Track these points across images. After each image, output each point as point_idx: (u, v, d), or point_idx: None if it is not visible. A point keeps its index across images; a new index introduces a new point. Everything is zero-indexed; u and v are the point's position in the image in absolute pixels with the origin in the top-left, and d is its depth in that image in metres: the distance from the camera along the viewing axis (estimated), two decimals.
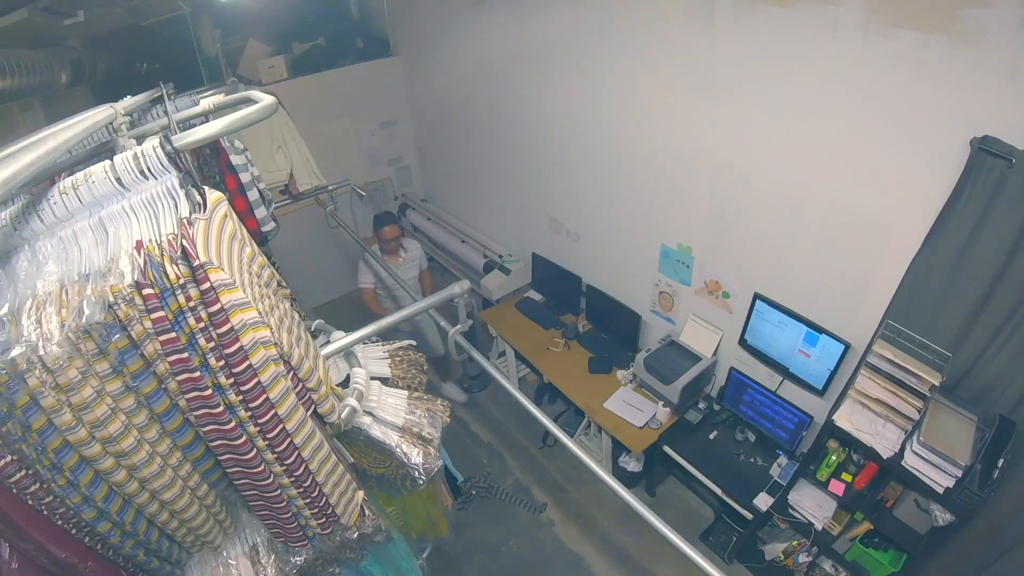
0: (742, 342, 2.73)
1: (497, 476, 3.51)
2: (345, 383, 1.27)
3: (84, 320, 0.79)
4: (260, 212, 2.09)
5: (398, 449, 1.25)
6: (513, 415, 3.94)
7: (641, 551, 2.99)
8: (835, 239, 2.19)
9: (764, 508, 2.51)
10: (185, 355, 0.85)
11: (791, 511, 2.39)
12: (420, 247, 3.60)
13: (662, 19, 2.43)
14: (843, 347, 2.30)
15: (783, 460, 2.68)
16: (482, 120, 3.95)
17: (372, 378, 1.34)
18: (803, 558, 2.55)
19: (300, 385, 1.01)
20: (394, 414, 1.29)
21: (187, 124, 1.37)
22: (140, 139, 1.12)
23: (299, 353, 1.01)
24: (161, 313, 0.81)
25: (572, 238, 3.63)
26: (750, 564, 2.80)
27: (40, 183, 0.89)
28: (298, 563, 1.23)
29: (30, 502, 0.90)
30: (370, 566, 1.53)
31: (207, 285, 0.81)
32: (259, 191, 2.10)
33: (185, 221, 0.83)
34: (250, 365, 0.89)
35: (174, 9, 3.52)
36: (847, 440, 2.08)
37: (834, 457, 2.22)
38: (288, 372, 0.97)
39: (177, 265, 0.80)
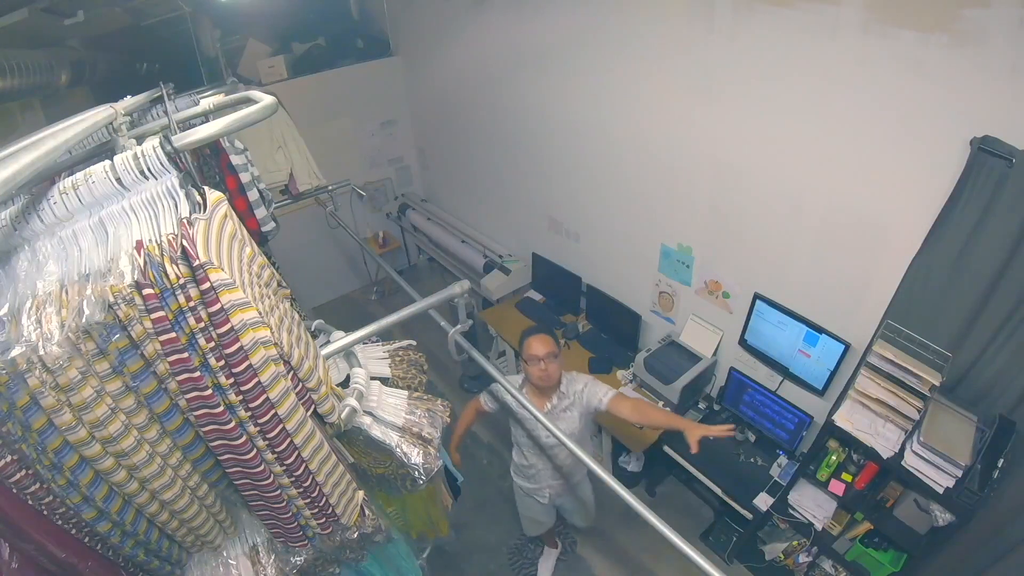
0: (742, 342, 2.73)
1: (497, 476, 3.50)
2: (345, 383, 1.27)
3: (84, 320, 0.78)
4: (260, 212, 2.09)
5: (398, 449, 1.25)
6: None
7: (641, 551, 2.99)
8: (835, 239, 2.19)
9: (764, 508, 2.51)
10: (185, 355, 0.85)
11: (791, 511, 2.39)
12: (589, 385, 2.12)
13: (662, 19, 2.43)
14: (843, 347, 2.30)
15: (783, 460, 2.68)
16: (482, 120, 3.95)
17: (372, 378, 1.34)
18: (803, 558, 2.55)
19: (300, 385, 1.01)
20: (394, 414, 1.29)
21: (187, 124, 1.37)
22: (140, 139, 1.12)
23: (299, 353, 1.01)
24: (161, 313, 0.81)
25: (572, 238, 3.63)
26: (750, 564, 2.80)
27: (40, 183, 0.89)
28: (298, 563, 1.23)
29: (30, 502, 0.90)
30: (370, 566, 1.53)
31: (207, 285, 0.81)
32: (259, 191, 2.10)
33: (185, 221, 0.83)
34: (250, 365, 0.89)
35: (174, 9, 3.52)
36: (847, 440, 2.08)
37: (834, 457, 2.22)
38: (288, 372, 0.97)
39: (177, 265, 0.80)
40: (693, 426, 1.91)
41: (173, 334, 0.83)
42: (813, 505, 2.35)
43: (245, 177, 2.01)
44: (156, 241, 0.82)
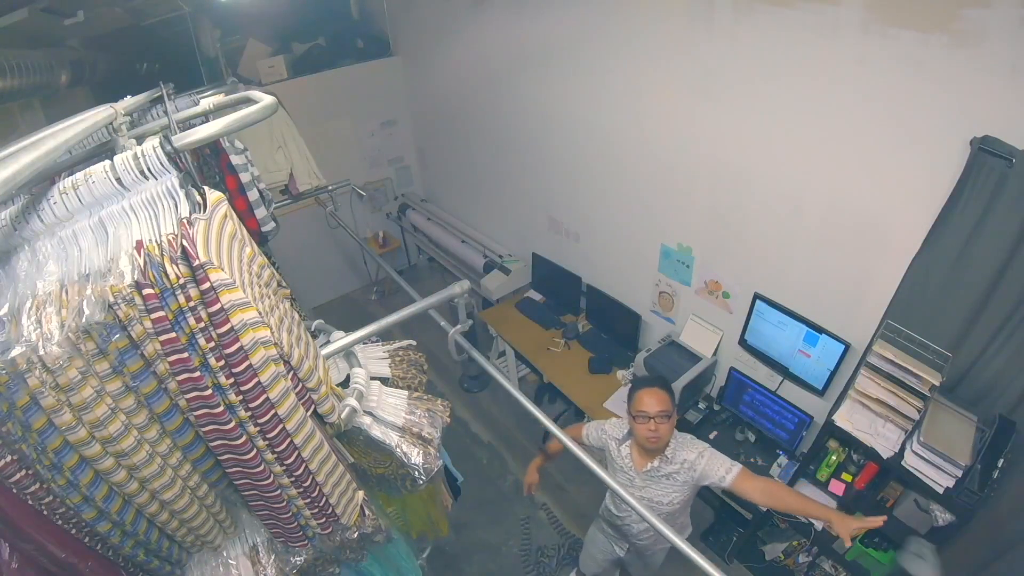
0: (742, 342, 2.73)
1: (497, 476, 3.50)
2: (345, 383, 1.27)
3: (84, 320, 0.79)
4: (260, 212, 2.09)
5: (398, 449, 1.25)
6: (513, 415, 3.94)
7: None
8: (835, 239, 2.19)
9: (764, 508, 2.51)
10: (185, 355, 0.85)
11: None
12: (705, 456, 1.82)
13: (662, 19, 2.43)
14: (843, 347, 2.30)
15: (783, 460, 2.68)
16: (482, 120, 3.95)
17: (372, 378, 1.34)
18: (803, 558, 2.55)
19: (300, 385, 1.01)
20: (394, 414, 1.29)
21: (187, 124, 1.37)
22: (140, 139, 1.12)
23: (299, 353, 1.01)
24: (161, 313, 0.81)
25: (572, 238, 3.63)
26: (750, 564, 2.80)
27: (40, 183, 0.89)
28: (298, 563, 1.23)
29: (30, 502, 0.89)
30: (370, 566, 1.53)
31: (207, 285, 0.81)
32: (259, 191, 2.10)
33: (185, 221, 0.83)
34: (250, 365, 0.89)
35: (174, 9, 3.52)
36: (847, 440, 2.08)
37: (834, 457, 2.22)
38: (288, 372, 0.97)
39: (177, 265, 0.80)
40: (843, 518, 1.56)
41: (173, 334, 0.83)
42: None
43: (245, 177, 2.01)
44: (156, 241, 0.82)
